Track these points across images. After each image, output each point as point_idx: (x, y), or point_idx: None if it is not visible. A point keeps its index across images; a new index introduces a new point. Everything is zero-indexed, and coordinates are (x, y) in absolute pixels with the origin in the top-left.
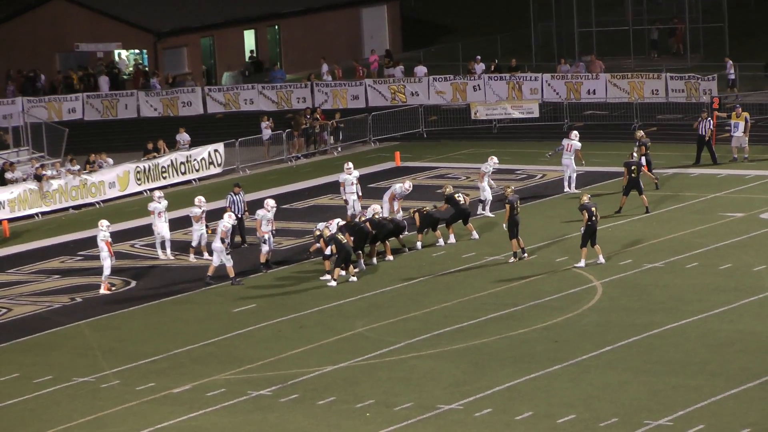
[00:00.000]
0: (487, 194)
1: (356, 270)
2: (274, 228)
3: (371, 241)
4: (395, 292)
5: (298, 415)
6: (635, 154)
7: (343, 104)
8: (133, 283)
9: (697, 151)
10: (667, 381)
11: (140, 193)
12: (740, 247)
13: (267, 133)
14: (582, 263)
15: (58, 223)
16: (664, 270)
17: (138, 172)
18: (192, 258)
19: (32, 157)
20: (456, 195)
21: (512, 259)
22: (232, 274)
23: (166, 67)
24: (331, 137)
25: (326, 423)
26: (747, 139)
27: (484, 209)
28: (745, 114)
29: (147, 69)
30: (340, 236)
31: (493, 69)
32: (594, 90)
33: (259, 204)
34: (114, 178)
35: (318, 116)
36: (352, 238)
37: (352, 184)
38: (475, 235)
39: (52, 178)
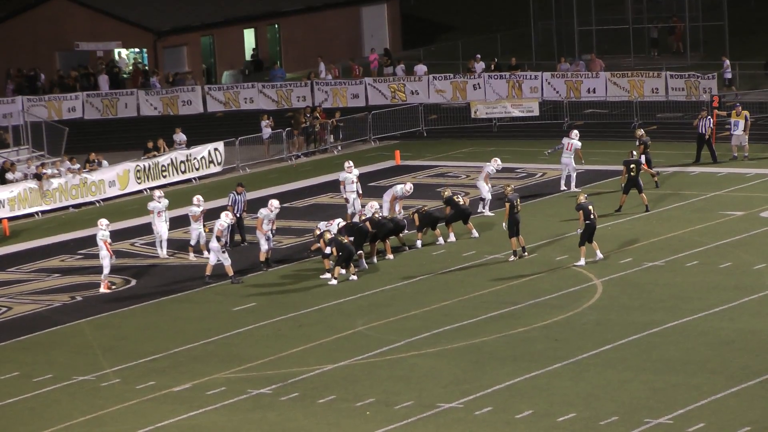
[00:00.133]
0: (487, 194)
1: (358, 269)
2: (274, 227)
3: (371, 239)
4: (395, 291)
5: (298, 413)
6: (635, 153)
7: (343, 103)
8: (133, 282)
9: (697, 149)
10: (667, 379)
11: (140, 191)
12: (740, 245)
13: (267, 131)
14: (582, 262)
15: (58, 221)
16: (664, 268)
17: (138, 170)
18: (192, 257)
19: (30, 156)
20: (455, 197)
21: (512, 258)
22: (230, 272)
23: (166, 66)
24: (331, 136)
25: (326, 421)
26: (747, 137)
27: (483, 208)
28: (745, 112)
29: (147, 68)
30: (340, 238)
31: (493, 67)
32: (594, 88)
33: (259, 203)
34: (114, 176)
35: (318, 115)
36: (351, 239)
37: (353, 182)
38: (475, 233)
39: (52, 176)
